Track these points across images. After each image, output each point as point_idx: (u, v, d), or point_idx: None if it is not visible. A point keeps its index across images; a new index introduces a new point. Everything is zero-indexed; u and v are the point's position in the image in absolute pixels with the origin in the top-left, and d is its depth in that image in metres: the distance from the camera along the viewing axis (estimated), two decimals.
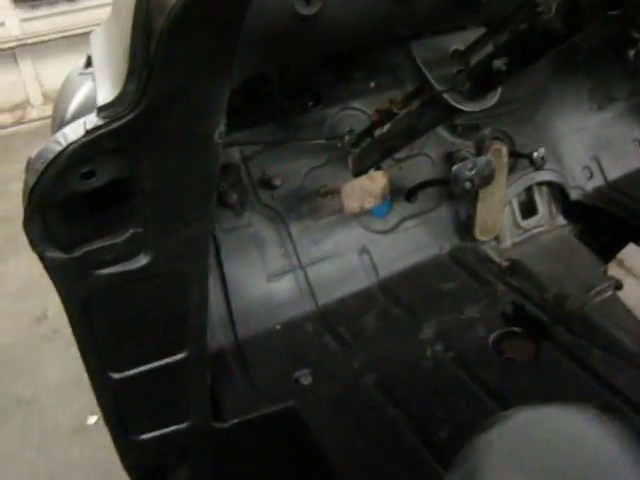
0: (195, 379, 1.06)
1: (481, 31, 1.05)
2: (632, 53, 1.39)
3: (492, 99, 1.09)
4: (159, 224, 0.87)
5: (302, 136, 1.39)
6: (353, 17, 0.90)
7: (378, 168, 1.37)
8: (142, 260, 0.89)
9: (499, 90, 1.09)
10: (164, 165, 0.81)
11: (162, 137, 0.78)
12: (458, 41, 1.08)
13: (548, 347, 1.28)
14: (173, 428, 1.10)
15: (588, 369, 1.23)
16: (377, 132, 1.30)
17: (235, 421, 1.15)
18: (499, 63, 0.97)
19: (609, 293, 1.48)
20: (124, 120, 0.73)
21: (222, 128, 0.80)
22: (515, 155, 1.54)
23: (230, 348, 1.28)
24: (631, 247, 1.80)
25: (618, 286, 1.51)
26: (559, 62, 1.64)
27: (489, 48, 1.02)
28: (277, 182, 1.35)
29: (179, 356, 1.01)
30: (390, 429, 1.13)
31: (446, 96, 1.05)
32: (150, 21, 0.66)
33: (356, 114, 1.42)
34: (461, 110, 1.07)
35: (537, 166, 1.54)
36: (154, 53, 0.67)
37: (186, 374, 1.04)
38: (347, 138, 1.39)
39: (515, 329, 1.33)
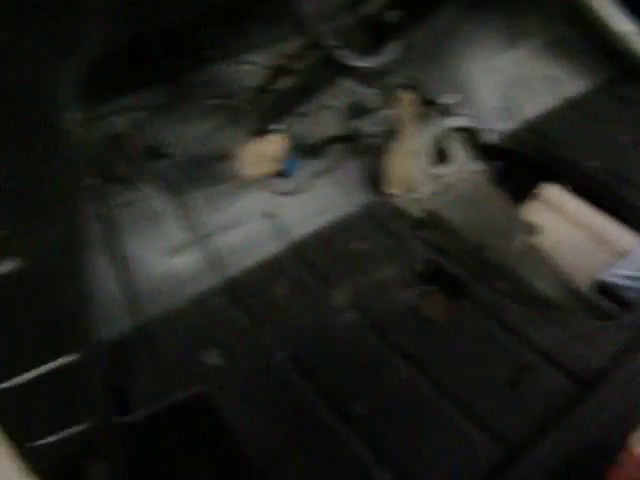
0: (91, 377, 0.98)
1: None
2: None
3: (391, 52, 1.01)
4: (21, 224, 0.77)
5: (194, 97, 1.29)
6: None
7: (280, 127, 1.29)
8: (8, 264, 0.79)
9: (397, 43, 1.01)
10: (15, 160, 0.71)
11: (4, 130, 0.68)
12: None
13: (465, 304, 1.25)
14: (75, 429, 1.02)
15: (506, 325, 1.20)
16: (274, 87, 1.22)
17: (142, 413, 1.07)
18: (394, 14, 0.90)
19: (526, 240, 1.45)
20: None
21: (72, 115, 0.70)
22: (425, 102, 1.47)
23: (134, 332, 1.20)
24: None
25: (533, 231, 1.49)
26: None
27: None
28: (170, 149, 1.25)
29: (70, 357, 0.92)
30: (306, 407, 1.08)
31: (340, 53, 0.96)
32: None
33: (251, 68, 1.33)
34: (356, 67, 0.99)
35: (448, 112, 1.48)
36: None
37: (80, 374, 0.96)
38: (243, 94, 1.30)
39: (431, 288, 1.28)
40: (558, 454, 0.97)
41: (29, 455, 1.03)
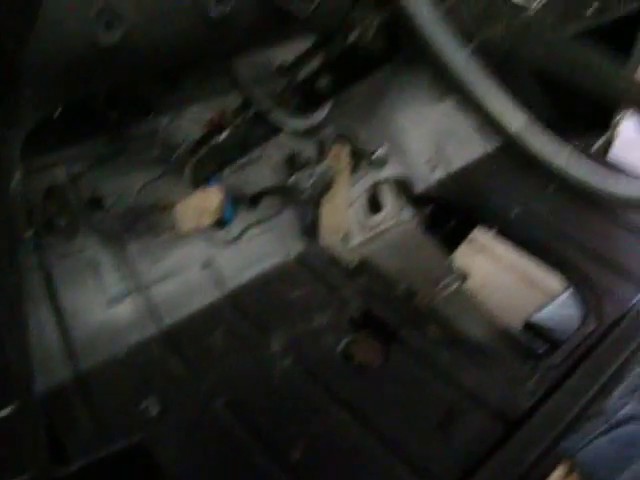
0: (27, 430, 0.98)
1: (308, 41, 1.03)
2: None
3: (321, 115, 1.06)
4: None
5: (134, 149, 1.32)
6: (160, 43, 0.84)
7: (218, 179, 1.33)
8: None
9: (326, 107, 1.06)
10: None
11: None
12: (282, 54, 1.05)
13: (397, 350, 1.30)
14: None
15: (436, 369, 1.26)
16: (212, 141, 1.26)
17: (79, 464, 1.08)
18: (324, 81, 0.95)
19: (456, 286, 1.52)
20: None
21: (17, 176, 0.73)
22: (357, 154, 1.54)
23: (72, 382, 1.20)
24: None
25: (464, 278, 1.56)
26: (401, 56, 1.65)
27: (315, 62, 0.99)
28: (109, 201, 1.28)
29: (6, 411, 0.93)
30: (243, 454, 1.11)
31: (273, 115, 1.01)
32: None
33: (190, 123, 1.36)
34: (288, 127, 1.04)
35: (379, 164, 1.55)
36: None
37: (16, 427, 0.96)
38: (182, 147, 1.33)
39: (363, 334, 1.33)
40: None
41: None
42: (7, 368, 0.90)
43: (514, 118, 0.64)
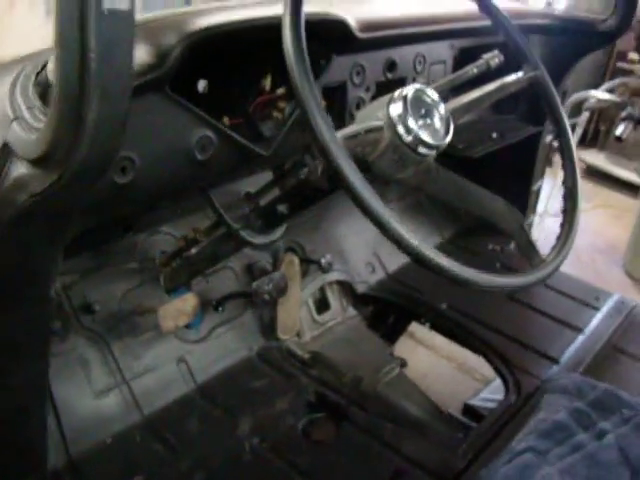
0: None
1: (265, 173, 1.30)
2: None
3: (278, 233, 1.31)
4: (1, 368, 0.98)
5: (116, 262, 1.53)
6: (160, 181, 1.09)
7: (188, 286, 1.55)
8: None
9: (283, 227, 1.32)
10: (5, 319, 0.94)
11: (4, 299, 0.91)
12: (249, 185, 1.31)
13: (347, 427, 1.51)
14: None
15: (382, 441, 1.47)
16: (185, 254, 1.49)
17: None
18: (282, 208, 1.21)
19: (396, 371, 1.75)
20: None
21: (57, 284, 0.95)
22: (306, 262, 1.79)
23: (63, 466, 1.35)
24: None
25: (403, 364, 1.79)
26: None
27: (275, 191, 1.25)
28: (97, 307, 1.48)
29: None
30: None
31: (242, 233, 1.26)
32: None
33: (165, 237, 1.60)
34: (253, 243, 1.29)
35: (325, 270, 1.80)
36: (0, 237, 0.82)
37: None
38: (158, 260, 1.55)
39: (319, 415, 1.54)
40: None
41: None
42: (29, 445, 1.08)
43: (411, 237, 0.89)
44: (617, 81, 4.01)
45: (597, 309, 1.98)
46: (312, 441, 1.48)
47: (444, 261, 0.90)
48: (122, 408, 1.48)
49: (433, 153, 1.00)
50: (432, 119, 1.00)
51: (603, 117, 4.78)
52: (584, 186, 3.92)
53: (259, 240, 1.28)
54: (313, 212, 1.87)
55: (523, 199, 2.28)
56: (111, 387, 1.49)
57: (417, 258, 0.89)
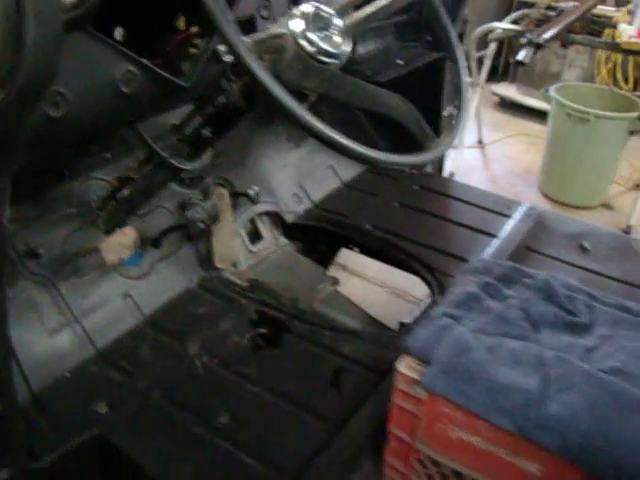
0: (11, 427, 1.23)
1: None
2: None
3: (206, 158, 1.42)
4: None
5: (55, 208, 1.61)
6: (91, 114, 1.18)
7: (125, 224, 1.64)
8: None
9: (209, 151, 1.42)
10: None
11: None
12: (175, 118, 1.40)
13: (288, 338, 1.63)
14: None
15: (322, 345, 1.60)
16: (119, 195, 1.58)
17: (50, 458, 1.32)
18: (206, 132, 1.32)
19: (330, 289, 1.88)
20: None
21: (6, 212, 1.03)
22: (235, 195, 1.89)
23: (27, 402, 1.43)
24: (350, 254, 2.25)
25: (335, 282, 1.93)
26: (258, 114, 2.04)
27: (198, 120, 1.35)
28: (40, 251, 1.55)
29: None
30: (182, 427, 1.38)
31: (172, 160, 1.36)
32: None
33: (99, 183, 1.67)
34: (184, 169, 1.39)
35: (254, 201, 1.91)
36: None
37: (1, 424, 1.21)
38: (94, 204, 1.63)
39: (262, 330, 1.66)
40: (368, 422, 1.37)
41: None
42: None
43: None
44: (520, 12, 4.20)
45: (509, 217, 2.15)
46: (257, 353, 1.60)
47: (346, 140, 1.03)
48: (76, 344, 1.57)
49: (336, 62, 1.12)
50: (331, 32, 1.12)
51: (513, 51, 4.97)
52: (499, 118, 4.15)
53: (189, 166, 1.38)
54: (235, 149, 1.97)
55: (434, 125, 2.40)
56: (63, 325, 1.57)
57: (321, 138, 1.01)
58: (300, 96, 1.41)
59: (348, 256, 2.28)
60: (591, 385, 1.02)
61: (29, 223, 1.56)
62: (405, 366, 1.12)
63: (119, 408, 1.43)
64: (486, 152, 4.22)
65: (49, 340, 1.54)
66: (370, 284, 2.80)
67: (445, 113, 2.47)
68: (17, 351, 1.47)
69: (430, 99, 2.40)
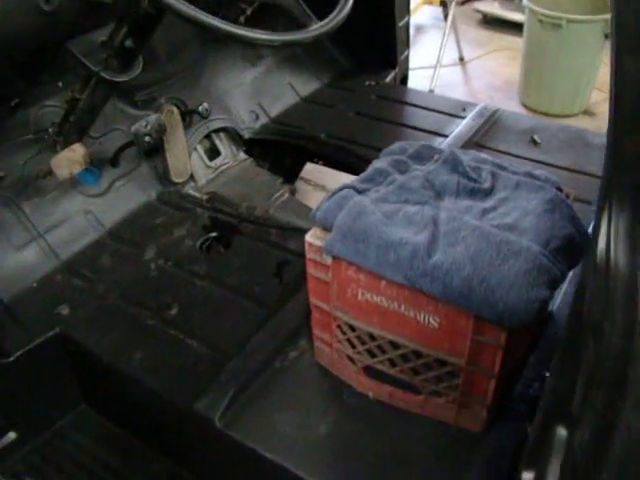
0: None
1: None
2: (242, 18, 1.85)
3: (137, 69, 1.51)
4: None
5: (13, 135, 1.72)
6: (14, 34, 1.27)
7: None
8: None
9: (140, 61, 1.51)
10: None
11: None
12: (103, 34, 1.49)
13: (238, 238, 1.74)
14: None
15: (269, 243, 1.71)
16: (72, 118, 1.68)
17: (18, 354, 1.45)
18: (129, 42, 1.41)
19: (286, 196, 1.97)
20: None
21: None
22: (188, 113, 1.98)
23: None
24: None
25: (292, 191, 2.02)
26: (210, 35, 2.11)
27: (121, 33, 1.44)
28: (1, 173, 1.67)
29: None
30: (136, 320, 1.51)
31: (103, 74, 1.46)
32: None
33: (53, 110, 1.77)
34: (117, 82, 1.49)
35: (204, 116, 2.00)
36: None
37: None
38: (51, 130, 1.74)
39: (213, 234, 1.77)
40: (305, 305, 1.47)
41: None
42: None
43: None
44: None
45: (463, 118, 2.21)
46: (208, 254, 1.71)
47: (236, 29, 1.11)
48: (41, 257, 1.70)
49: None
50: None
51: None
52: (481, 34, 4.14)
53: (121, 78, 1.48)
54: (188, 70, 2.05)
55: (390, 34, 2.46)
56: (28, 241, 1.70)
57: (212, 29, 1.10)
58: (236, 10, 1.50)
59: (311, 171, 2.37)
60: (477, 237, 1.10)
61: None
62: (312, 235, 1.22)
63: (79, 309, 1.56)
64: (467, 69, 4.24)
65: (16, 255, 1.67)
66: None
67: (400, 24, 2.52)
68: None
69: (384, 10, 2.44)
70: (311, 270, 1.25)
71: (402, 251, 1.10)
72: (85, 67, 1.46)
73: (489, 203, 1.25)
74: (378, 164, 1.33)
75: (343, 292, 1.22)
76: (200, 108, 1.97)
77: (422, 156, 1.38)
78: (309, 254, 1.23)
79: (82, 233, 1.77)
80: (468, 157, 1.37)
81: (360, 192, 1.25)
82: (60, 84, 1.79)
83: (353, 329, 1.27)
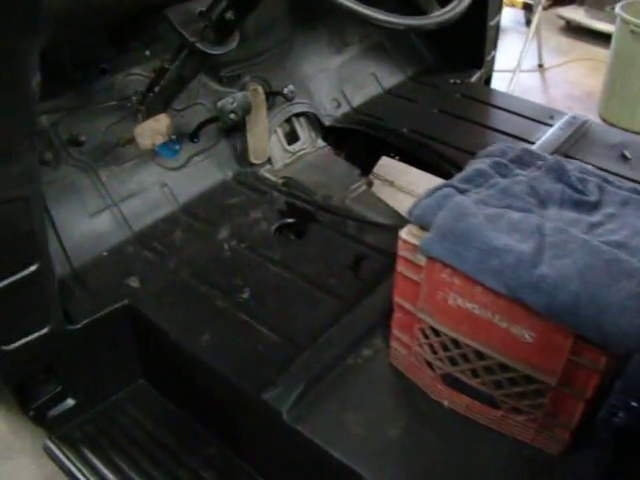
0: (48, 286, 1.32)
1: None
2: None
3: (233, 43, 1.47)
4: None
5: (97, 101, 1.69)
6: None
7: None
8: None
9: (237, 35, 1.47)
10: None
11: None
12: (201, 4, 1.45)
13: (314, 226, 1.70)
14: (36, 334, 1.34)
15: (346, 234, 1.66)
16: (156, 88, 1.64)
17: (85, 321, 1.43)
18: (230, 15, 1.36)
19: (363, 188, 1.92)
20: None
21: (37, 78, 1.09)
22: (271, 93, 1.93)
23: (67, 275, 1.55)
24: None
25: (369, 183, 1.96)
26: (299, 17, 2.06)
27: (223, 4, 1.40)
28: (83, 139, 1.64)
29: (32, 268, 1.25)
30: (207, 302, 1.48)
31: (198, 45, 1.41)
32: None
33: (138, 78, 1.74)
34: (212, 54, 1.45)
35: (289, 99, 1.95)
36: None
37: (39, 283, 1.29)
38: (134, 98, 1.71)
39: (289, 219, 1.72)
40: (382, 302, 1.42)
41: None
42: (31, 232, 1.25)
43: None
44: None
45: (550, 126, 2.13)
46: (283, 239, 1.66)
47: (360, 6, 1.07)
48: (114, 226, 1.67)
49: None
50: None
51: None
52: (563, 42, 4.01)
53: (216, 50, 1.43)
54: (274, 52, 2.00)
55: (480, 33, 2.38)
56: (102, 208, 1.67)
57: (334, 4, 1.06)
58: None
59: (380, 165, 2.31)
60: (586, 252, 1.03)
61: (72, 113, 1.64)
62: (407, 233, 1.16)
63: (149, 283, 1.53)
64: (546, 76, 4.11)
65: (89, 221, 1.64)
66: (400, 192, 2.83)
67: (492, 23, 2.43)
68: (60, 230, 1.58)
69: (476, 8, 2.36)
70: (401, 268, 1.20)
71: (506, 258, 1.04)
72: (181, 36, 1.42)
73: (596, 217, 1.18)
74: (478, 165, 1.26)
75: (432, 295, 1.16)
76: (285, 90, 1.92)
77: (523, 161, 1.31)
78: (402, 251, 1.17)
79: (156, 206, 1.74)
80: (572, 167, 1.30)
81: (461, 192, 1.18)
82: (147, 53, 1.76)
83: (437, 334, 1.21)
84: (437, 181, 2.18)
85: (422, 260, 1.14)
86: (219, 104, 1.70)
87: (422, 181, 2.79)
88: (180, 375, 1.49)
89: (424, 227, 1.14)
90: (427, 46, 2.47)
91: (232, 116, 1.72)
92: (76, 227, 1.62)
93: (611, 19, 3.54)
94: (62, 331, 1.40)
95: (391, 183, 2.48)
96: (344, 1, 1.07)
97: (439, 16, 1.26)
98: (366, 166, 2.21)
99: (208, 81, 1.87)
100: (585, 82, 4.01)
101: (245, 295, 1.48)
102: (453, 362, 1.21)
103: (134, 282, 1.53)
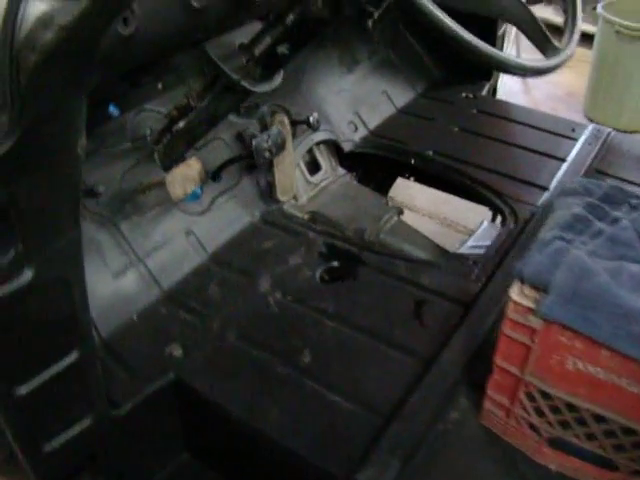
0: (90, 373, 1.16)
1: (256, 24, 1.29)
2: (370, 22, 1.68)
3: (278, 79, 1.32)
4: (38, 238, 0.97)
5: (110, 144, 1.52)
6: (161, 31, 1.07)
7: (183, 158, 1.55)
8: (28, 274, 0.98)
9: (282, 71, 1.32)
10: (38, 184, 0.93)
11: (35, 160, 0.90)
12: (241, 36, 1.30)
13: (362, 269, 1.56)
14: (78, 426, 1.17)
15: (398, 276, 1.53)
16: (175, 127, 1.48)
17: (129, 405, 1.26)
18: (282, 48, 1.21)
19: (395, 219, 1.79)
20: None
21: (83, 142, 0.94)
22: (295, 123, 1.79)
23: (98, 346, 1.37)
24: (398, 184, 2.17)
25: (400, 212, 1.84)
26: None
27: (271, 36, 1.25)
28: (100, 189, 1.47)
29: (73, 355, 1.10)
30: (264, 368, 1.32)
31: (244, 83, 1.26)
32: (18, 58, 0.78)
33: (151, 114, 1.58)
34: (255, 92, 1.29)
35: (314, 128, 1.81)
36: (25, 86, 0.79)
37: (81, 370, 1.13)
38: (149, 137, 1.54)
39: (333, 263, 1.58)
40: (461, 356, 1.29)
41: (38, 459, 1.19)
42: (73, 316, 1.08)
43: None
44: None
45: (575, 140, 2.03)
46: (331, 287, 1.52)
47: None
48: (141, 285, 1.50)
49: None
50: None
51: None
52: None
53: (262, 88, 1.29)
54: (287, 77, 1.86)
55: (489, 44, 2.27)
56: (127, 266, 1.50)
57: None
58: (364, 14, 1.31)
59: (395, 187, 2.20)
60: None
61: (86, 160, 1.47)
62: (518, 294, 1.03)
63: (194, 350, 1.37)
64: (527, 78, 4.05)
65: (114, 282, 1.47)
66: (419, 215, 2.72)
67: (499, 33, 2.33)
68: None
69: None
70: (507, 330, 1.07)
71: None
72: (224, 74, 1.26)
73: None
74: (574, 209, 1.15)
75: (546, 358, 1.04)
76: (311, 119, 1.77)
77: (614, 199, 1.21)
78: (511, 313, 1.04)
79: (184, 257, 1.58)
80: None
81: (567, 241, 1.07)
82: (160, 86, 1.59)
83: (546, 397, 1.09)
84: (441, 196, 2.12)
85: (536, 322, 1.02)
86: (254, 143, 1.54)
87: (422, 195, 2.70)
88: (246, 455, 1.33)
89: (537, 287, 1.02)
90: (434, 60, 2.35)
91: (267, 154, 1.57)
92: (100, 290, 1.44)
93: (593, 20, 3.49)
94: (106, 418, 1.23)
95: (391, 199, 2.36)
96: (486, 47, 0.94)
97: (563, 56, 1.14)
98: (381, 188, 2.10)
99: None
100: (566, 82, 3.97)
101: (306, 358, 1.33)
102: (564, 425, 1.10)
103: (176, 350, 1.36)
